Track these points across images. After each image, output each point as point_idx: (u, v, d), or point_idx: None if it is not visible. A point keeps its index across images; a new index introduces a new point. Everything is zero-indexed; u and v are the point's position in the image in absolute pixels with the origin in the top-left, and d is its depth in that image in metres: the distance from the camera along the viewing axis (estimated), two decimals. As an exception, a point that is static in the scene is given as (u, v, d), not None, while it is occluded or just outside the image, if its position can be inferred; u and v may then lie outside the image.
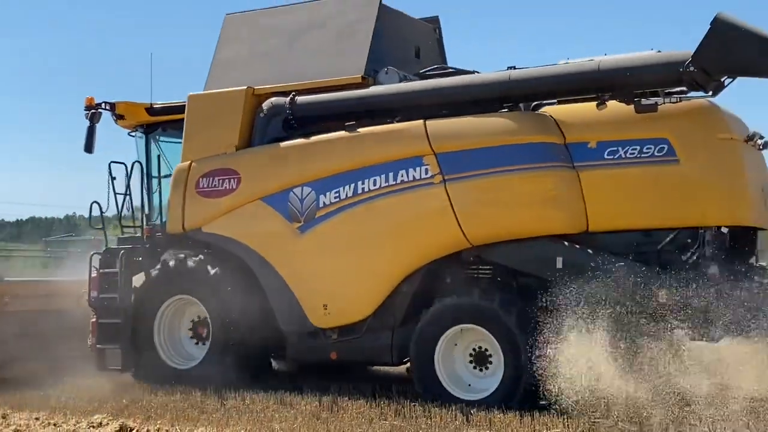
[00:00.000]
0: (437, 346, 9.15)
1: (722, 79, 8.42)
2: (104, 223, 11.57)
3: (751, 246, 9.83)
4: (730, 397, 7.82)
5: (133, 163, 11.60)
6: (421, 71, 10.33)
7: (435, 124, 9.40)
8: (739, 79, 8.60)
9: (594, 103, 8.90)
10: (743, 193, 8.67)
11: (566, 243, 9.00)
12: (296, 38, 11.10)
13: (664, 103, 8.61)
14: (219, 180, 10.55)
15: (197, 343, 10.83)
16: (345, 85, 10.25)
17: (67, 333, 11.27)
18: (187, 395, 9.53)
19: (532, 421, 7.91)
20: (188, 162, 10.82)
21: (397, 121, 9.73)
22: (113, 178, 11.54)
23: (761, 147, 9.59)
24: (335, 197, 9.82)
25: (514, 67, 9.39)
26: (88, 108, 11.55)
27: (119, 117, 11.92)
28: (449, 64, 11.84)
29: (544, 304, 8.60)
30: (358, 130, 9.85)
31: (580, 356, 8.17)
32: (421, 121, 9.46)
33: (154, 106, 11.82)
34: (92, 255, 11.20)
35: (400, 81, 10.16)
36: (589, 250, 8.86)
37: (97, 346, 10.98)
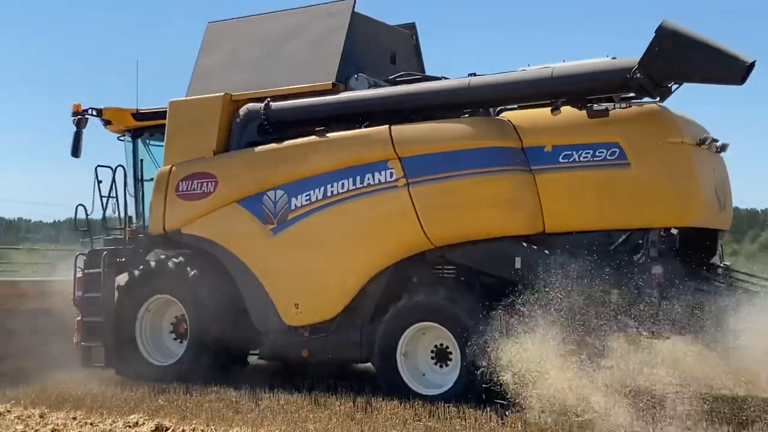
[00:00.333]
0: (399, 343, 9.50)
1: (668, 85, 8.69)
2: (89, 225, 11.97)
3: (711, 246, 10.13)
4: (679, 395, 8.06)
5: (116, 168, 12.00)
6: (390, 77, 10.66)
7: (399, 129, 9.72)
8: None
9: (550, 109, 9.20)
10: (693, 195, 8.94)
11: (525, 244, 9.30)
12: (274, 46, 11.46)
13: (614, 108, 8.89)
14: (197, 183, 10.93)
15: (178, 341, 11.21)
16: (317, 91, 10.60)
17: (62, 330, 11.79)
18: (221, 395, 9.62)
19: (567, 421, 7.89)
20: (169, 166, 11.21)
21: (365, 127, 10.07)
22: (99, 182, 11.95)
23: (719, 150, 9.87)
24: (306, 200, 10.18)
25: (475, 74, 9.72)
26: (75, 114, 11.98)
27: (107, 122, 12.34)
28: (427, 69, 12.27)
29: (503, 303, 8.88)
30: (328, 135, 10.20)
31: (534, 354, 8.45)
32: (387, 126, 9.79)
33: (140, 111, 12.21)
34: (77, 256, 11.64)
35: (370, 87, 10.50)
36: (546, 251, 9.15)
37: (82, 343, 11.42)
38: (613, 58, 9.16)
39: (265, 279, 10.45)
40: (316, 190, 10.11)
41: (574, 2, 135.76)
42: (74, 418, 8.72)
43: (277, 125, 10.67)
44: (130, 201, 12.13)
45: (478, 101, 9.61)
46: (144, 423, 8.33)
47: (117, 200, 12.14)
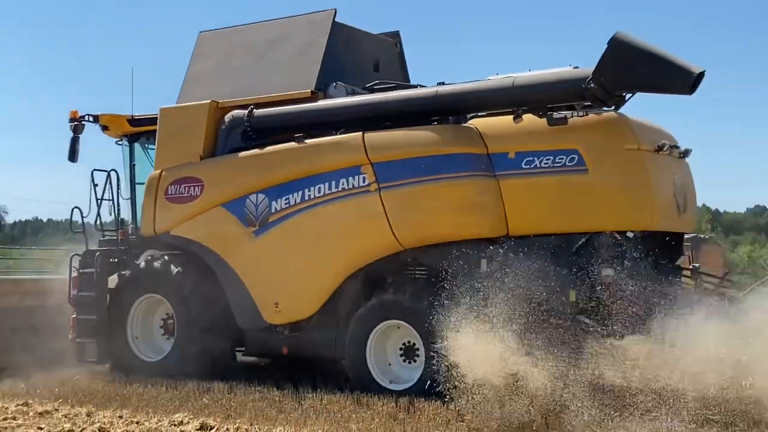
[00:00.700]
0: (368, 339, 9.93)
1: (622, 94, 9.03)
2: (84, 227, 12.49)
3: (677, 248, 10.45)
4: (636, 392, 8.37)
5: (109, 172, 12.51)
6: (366, 85, 11.06)
7: (372, 136, 10.13)
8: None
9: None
10: (647, 200, 9.26)
11: (490, 246, 9.67)
12: (260, 55, 11.93)
13: (572, 116, 9.24)
14: (185, 187, 11.42)
15: (168, 338, 11.69)
16: (297, 98, 11.04)
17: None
18: (265, 394, 9.72)
19: (611, 423, 7.86)
20: (159, 170, 11.71)
21: (340, 133, 10.48)
22: (95, 185, 12.48)
23: (682, 155, 10.18)
24: (286, 203, 10.62)
25: (444, 83, 10.10)
26: (72, 120, 12.52)
27: (104, 128, 12.88)
28: (411, 76, 12.67)
29: (466, 303, 9.24)
30: (306, 141, 10.63)
31: (494, 350, 8.81)
32: (360, 133, 10.20)
33: (135, 117, 12.73)
34: (72, 256, 12.18)
35: (348, 95, 10.92)
36: (511, 253, 9.50)
37: (76, 340, 11.96)
38: (576, 67, 9.50)
39: (247, 279, 10.91)
40: (295, 194, 10.54)
41: (572, 5, 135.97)
42: (120, 417, 8.83)
43: (259, 132, 11.12)
44: (124, 203, 12.64)
45: (445, 109, 10.00)
46: (189, 422, 8.45)
47: (113, 202, 12.66)
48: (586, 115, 9.25)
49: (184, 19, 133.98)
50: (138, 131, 12.77)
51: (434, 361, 9.15)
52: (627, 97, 9.13)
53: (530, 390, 8.19)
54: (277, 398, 9.54)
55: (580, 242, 9.49)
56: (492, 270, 9.36)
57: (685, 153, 10.19)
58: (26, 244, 40.71)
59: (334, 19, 11.41)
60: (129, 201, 12.71)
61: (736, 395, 7.99)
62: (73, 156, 12.51)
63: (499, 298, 8.78)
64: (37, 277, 16.09)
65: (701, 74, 8.57)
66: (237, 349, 11.64)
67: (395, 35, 12.70)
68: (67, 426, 8.40)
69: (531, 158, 9.47)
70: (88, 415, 8.98)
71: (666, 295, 9.05)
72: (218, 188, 11.19)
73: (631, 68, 8.70)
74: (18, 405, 9.43)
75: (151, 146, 12.88)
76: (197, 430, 8.19)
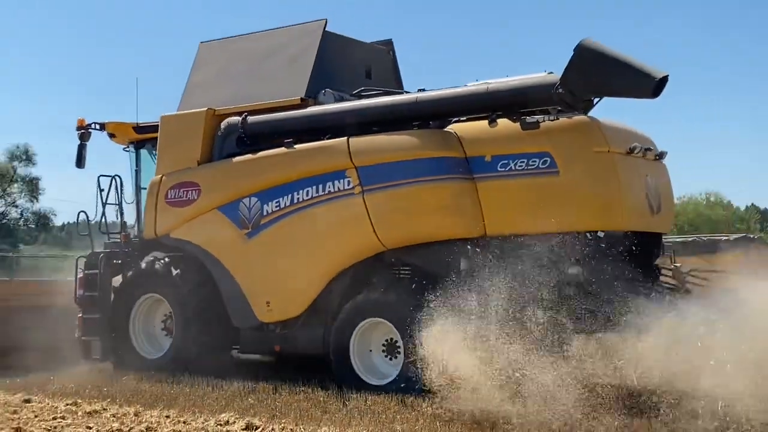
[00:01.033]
0: (352, 336, 10.34)
1: (589, 99, 9.35)
2: (90, 230, 13.05)
3: (655, 248, 10.73)
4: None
5: (113, 177, 13.05)
6: (353, 92, 11.48)
7: (356, 141, 10.55)
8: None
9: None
10: (618, 201, 9.56)
11: (469, 246, 10.03)
12: (256, 63, 12.40)
13: (543, 120, 9.57)
14: (183, 191, 11.92)
15: (168, 336, 12.17)
16: (288, 105, 11.50)
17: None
18: (310, 395, 9.81)
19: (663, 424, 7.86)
20: (160, 176, 12.22)
21: (327, 139, 10.91)
22: (101, 190, 13.02)
23: (657, 157, 10.47)
24: (276, 206, 11.07)
25: (424, 89, 10.49)
26: (79, 128, 13.10)
27: (111, 135, 13.45)
28: (407, 83, 13.08)
29: (448, 301, 9.58)
30: (295, 146, 11.07)
31: (471, 347, 9.16)
32: (345, 138, 10.61)
33: (140, 125, 13.26)
34: (78, 258, 12.73)
35: (336, 101, 11.35)
36: (488, 253, 9.86)
37: (82, 338, 12.51)
38: (550, 73, 9.83)
39: (240, 279, 11.38)
40: (285, 197, 10.98)
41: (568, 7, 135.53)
42: (167, 417, 8.89)
43: (253, 137, 11.59)
44: (128, 207, 13.18)
45: (424, 115, 10.39)
46: (235, 422, 8.52)
47: (119, 206, 13.21)
48: (557, 119, 9.57)
49: (188, 29, 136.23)
50: (143, 138, 13.29)
51: (413, 358, 9.54)
52: (595, 101, 9.44)
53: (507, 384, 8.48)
54: (321, 398, 9.65)
55: (553, 242, 9.79)
56: (470, 269, 9.76)
57: (661, 155, 10.48)
58: (74, 247, 41.49)
59: (324, 28, 11.84)
60: (134, 205, 13.23)
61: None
62: (80, 162, 13.08)
63: (478, 296, 9.13)
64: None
65: (664, 79, 8.84)
66: (232, 347, 12.11)
67: (388, 43, 13.10)
68: (116, 425, 8.51)
69: (506, 161, 9.81)
70: (136, 414, 9.08)
71: (636, 294, 9.35)
72: (214, 192, 11.67)
73: (596, 74, 9.00)
74: (67, 404, 9.62)
75: (156, 153, 13.40)
76: (243, 429, 8.28)
